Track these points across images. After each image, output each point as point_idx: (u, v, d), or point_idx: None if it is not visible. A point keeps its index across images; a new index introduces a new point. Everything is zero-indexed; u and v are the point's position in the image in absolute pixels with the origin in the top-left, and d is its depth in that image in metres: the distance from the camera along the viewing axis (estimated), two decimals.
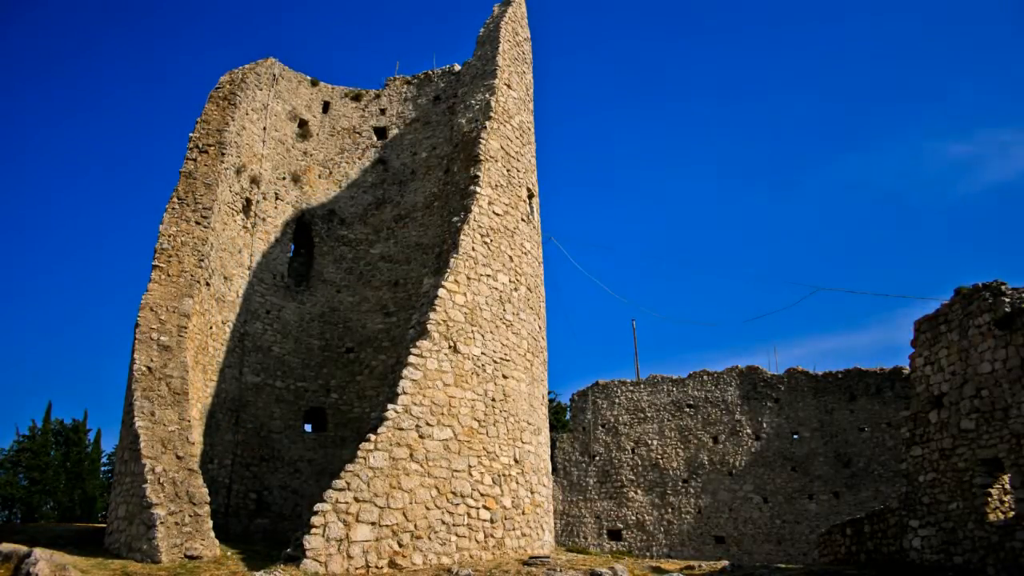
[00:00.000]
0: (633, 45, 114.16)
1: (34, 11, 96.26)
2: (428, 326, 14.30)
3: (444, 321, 14.63)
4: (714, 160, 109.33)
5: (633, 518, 31.27)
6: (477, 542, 13.86)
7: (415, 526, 12.80)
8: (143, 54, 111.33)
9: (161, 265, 18.17)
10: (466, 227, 15.99)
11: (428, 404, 13.73)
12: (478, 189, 16.80)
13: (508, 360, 16.10)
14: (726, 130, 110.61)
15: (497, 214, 17.18)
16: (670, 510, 30.81)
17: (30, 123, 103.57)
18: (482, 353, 15.31)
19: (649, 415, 32.42)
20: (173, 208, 19.35)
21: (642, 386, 33.04)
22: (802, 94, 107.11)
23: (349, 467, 12.42)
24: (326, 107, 26.72)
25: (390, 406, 13.25)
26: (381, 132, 26.68)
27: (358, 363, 23.88)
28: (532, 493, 15.90)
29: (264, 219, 23.63)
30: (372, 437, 12.85)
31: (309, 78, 26.49)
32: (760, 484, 29.71)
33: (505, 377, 15.87)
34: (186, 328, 17.21)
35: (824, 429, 29.25)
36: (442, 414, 13.92)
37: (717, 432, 31.01)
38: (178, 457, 14.22)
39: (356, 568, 11.78)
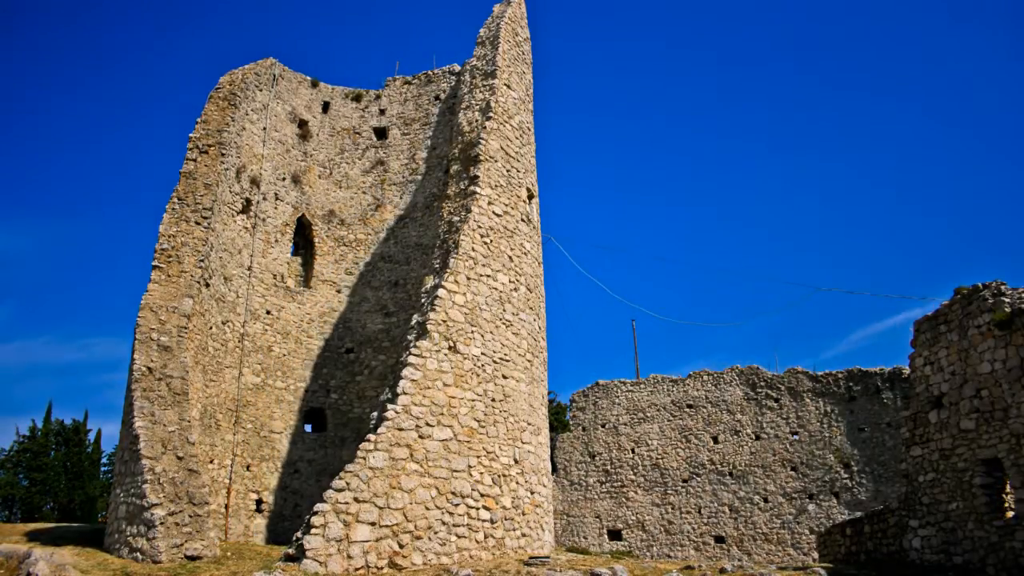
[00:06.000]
0: (632, 45, 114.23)
1: (34, 11, 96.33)
2: (428, 326, 14.29)
3: (444, 321, 14.62)
4: (714, 160, 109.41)
5: (633, 518, 31.27)
6: (477, 542, 13.85)
7: (415, 526, 12.79)
8: (143, 54, 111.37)
9: (161, 265, 18.17)
10: (466, 227, 15.98)
11: (428, 404, 13.72)
12: (478, 189, 16.79)
13: (508, 360, 16.10)
14: (726, 130, 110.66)
15: (497, 214, 17.17)
16: (670, 510, 30.80)
17: (30, 123, 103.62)
18: (482, 353, 15.30)
19: (649, 415, 32.41)
20: (173, 208, 19.35)
21: (642, 386, 33.03)
22: (804, 94, 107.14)
23: (349, 467, 12.41)
24: (326, 107, 26.72)
25: (390, 406, 13.24)
26: (381, 132, 26.69)
27: (358, 363, 23.89)
28: (532, 493, 15.89)
29: (264, 219, 23.64)
30: (372, 437, 12.84)
31: (309, 79, 26.49)
32: (760, 484, 29.70)
33: (505, 377, 15.86)
34: (186, 328, 17.21)
35: (824, 429, 29.24)
36: (442, 414, 13.91)
37: (717, 432, 31.01)
38: (178, 457, 14.22)
39: (356, 568, 11.78)
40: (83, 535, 16.56)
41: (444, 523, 13.30)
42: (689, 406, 31.90)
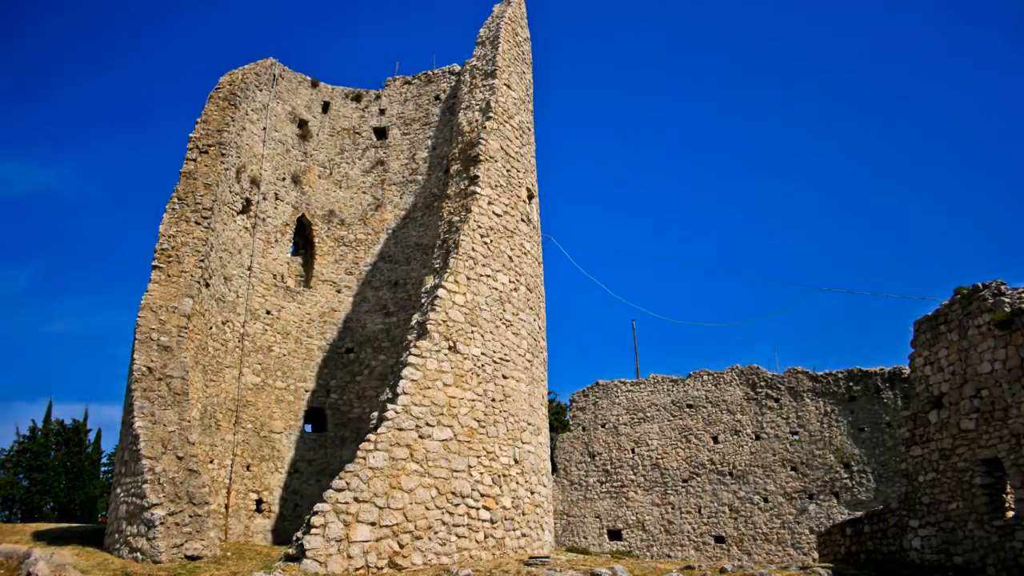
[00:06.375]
0: (632, 45, 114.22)
1: (34, 11, 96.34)
2: (428, 326, 14.28)
3: (444, 321, 14.62)
4: (714, 160, 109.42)
5: (633, 518, 31.26)
6: (477, 542, 13.85)
7: (415, 526, 12.79)
8: (144, 54, 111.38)
9: (161, 265, 18.17)
10: (466, 227, 15.97)
11: (428, 404, 13.72)
12: (478, 189, 16.79)
13: (508, 360, 16.09)
14: (726, 130, 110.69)
15: (497, 214, 17.17)
16: (670, 510, 30.79)
17: (30, 123, 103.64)
18: (482, 353, 15.29)
19: (649, 415, 32.40)
20: (173, 208, 19.35)
21: (642, 386, 33.01)
22: (804, 94, 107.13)
23: (349, 467, 12.41)
24: (326, 107, 26.72)
25: (390, 406, 13.24)
26: (381, 132, 26.68)
27: (358, 363, 23.88)
28: (532, 493, 15.89)
29: (264, 219, 23.63)
30: (372, 437, 12.83)
31: (309, 79, 26.48)
32: (760, 484, 29.69)
33: (505, 377, 15.85)
34: (186, 328, 17.21)
35: (824, 429, 29.24)
36: (442, 414, 13.90)
37: (717, 432, 31.00)
38: (178, 457, 14.22)
39: (356, 568, 11.77)
40: (83, 535, 16.56)
41: (444, 523, 13.30)
42: (689, 406, 31.88)
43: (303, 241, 25.07)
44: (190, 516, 13.28)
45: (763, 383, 30.89)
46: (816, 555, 22.49)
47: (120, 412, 18.03)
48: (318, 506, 11.92)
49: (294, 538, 11.97)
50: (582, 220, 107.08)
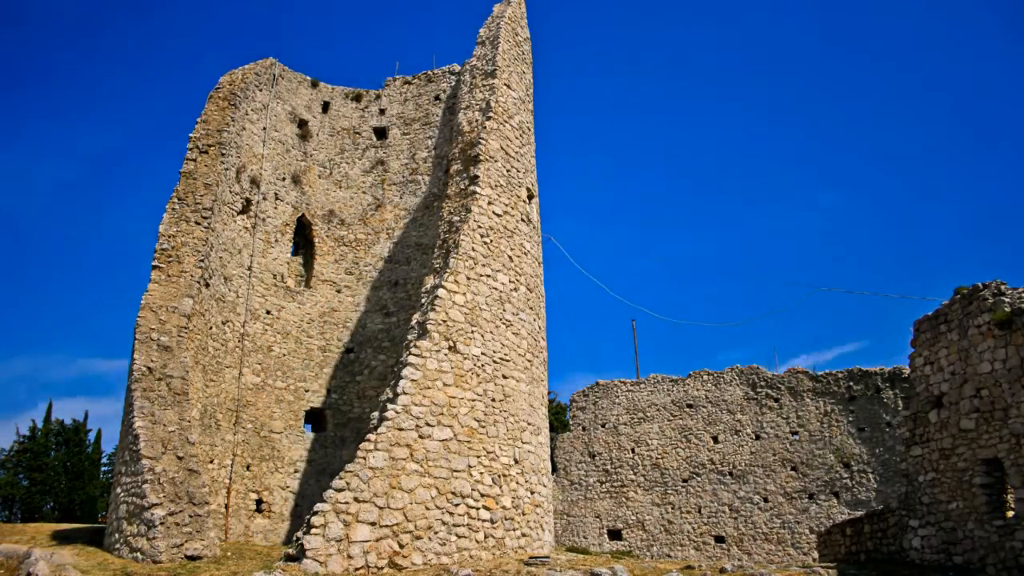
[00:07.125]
0: (632, 45, 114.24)
1: (35, 10, 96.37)
2: (428, 326, 14.28)
3: (444, 321, 14.62)
4: (714, 161, 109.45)
5: (633, 518, 31.26)
6: (477, 542, 13.85)
7: (415, 526, 12.79)
8: (143, 54, 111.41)
9: (161, 265, 18.17)
10: (466, 227, 15.97)
11: (428, 404, 13.72)
12: (478, 189, 16.78)
13: (508, 360, 16.09)
14: (726, 131, 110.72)
15: (497, 214, 17.16)
16: (670, 509, 30.79)
17: (30, 122, 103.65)
18: (482, 353, 15.29)
19: (649, 415, 32.39)
20: (173, 208, 19.35)
21: (642, 386, 33.00)
22: (803, 94, 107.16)
23: (349, 467, 12.41)
24: (326, 107, 26.72)
25: (390, 406, 13.24)
26: (381, 132, 26.68)
27: (358, 363, 23.88)
28: (532, 493, 15.88)
29: (264, 219, 23.63)
30: (372, 437, 12.83)
31: (309, 79, 26.48)
32: (760, 484, 29.69)
33: (505, 377, 15.85)
34: (186, 328, 17.21)
35: (824, 429, 29.24)
36: (442, 414, 13.90)
37: (717, 432, 30.99)
38: (178, 457, 14.22)
39: (356, 568, 11.77)
40: (83, 535, 16.54)
41: (444, 523, 13.30)
42: (689, 406, 31.87)
43: (303, 241, 25.07)
44: (190, 516, 13.27)
45: (763, 383, 30.88)
46: (816, 555, 22.49)
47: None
48: (318, 506, 11.91)
49: (294, 538, 11.96)
50: (583, 219, 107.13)
